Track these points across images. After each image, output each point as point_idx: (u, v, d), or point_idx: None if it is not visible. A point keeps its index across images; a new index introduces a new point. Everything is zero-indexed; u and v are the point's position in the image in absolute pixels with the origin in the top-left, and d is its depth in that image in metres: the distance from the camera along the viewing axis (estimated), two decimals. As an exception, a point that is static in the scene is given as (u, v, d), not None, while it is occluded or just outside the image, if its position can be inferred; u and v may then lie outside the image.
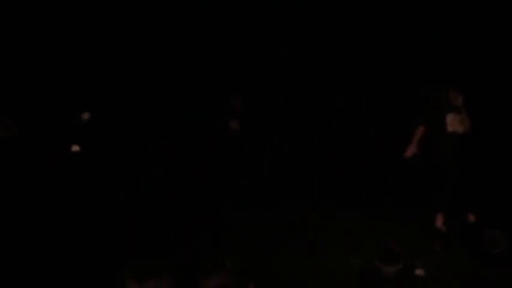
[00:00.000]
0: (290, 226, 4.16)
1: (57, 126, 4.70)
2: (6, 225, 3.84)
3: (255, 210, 4.45)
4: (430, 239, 4.08)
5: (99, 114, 4.88)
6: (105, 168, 4.74)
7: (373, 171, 5.02)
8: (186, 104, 5.13)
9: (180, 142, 5.01)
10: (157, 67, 5.14)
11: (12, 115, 4.45)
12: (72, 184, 4.46)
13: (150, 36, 5.11)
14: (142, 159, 4.88)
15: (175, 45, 5.18)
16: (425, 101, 4.30)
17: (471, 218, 4.21)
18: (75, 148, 4.47)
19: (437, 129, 4.14)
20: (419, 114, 4.24)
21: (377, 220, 4.21)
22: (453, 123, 4.16)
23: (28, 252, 3.58)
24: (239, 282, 1.84)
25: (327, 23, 5.19)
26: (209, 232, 4.01)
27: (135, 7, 5.08)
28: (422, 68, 4.94)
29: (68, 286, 3.31)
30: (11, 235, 3.76)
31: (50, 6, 4.91)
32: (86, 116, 4.40)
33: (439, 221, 4.19)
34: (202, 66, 5.18)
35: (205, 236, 3.96)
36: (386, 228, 4.06)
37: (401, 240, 3.11)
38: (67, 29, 4.96)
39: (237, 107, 4.89)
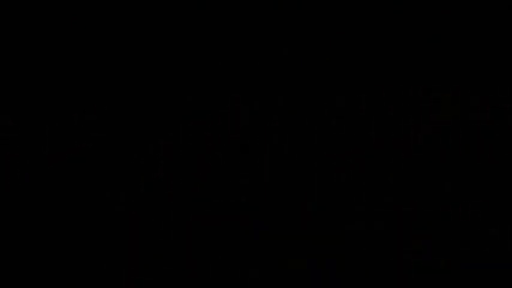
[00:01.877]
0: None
1: (57, 126, 4.70)
2: (6, 225, 3.84)
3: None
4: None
5: (99, 113, 4.88)
6: (105, 168, 4.73)
7: (373, 171, 5.01)
8: (186, 104, 5.13)
9: (180, 142, 5.01)
10: (157, 67, 5.14)
11: (12, 115, 4.45)
12: (72, 184, 4.46)
13: (150, 36, 5.11)
14: (142, 159, 4.88)
15: (175, 44, 5.17)
16: (425, 101, 4.31)
17: None
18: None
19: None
20: (419, 114, 4.24)
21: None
22: None
23: (28, 252, 3.58)
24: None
25: (327, 22, 5.19)
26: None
27: (135, 7, 5.08)
28: (422, 68, 4.94)
29: (67, 286, 3.31)
30: (11, 235, 3.75)
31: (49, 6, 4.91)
32: None
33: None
34: (202, 66, 5.17)
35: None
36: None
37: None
38: (67, 29, 4.96)
39: None
